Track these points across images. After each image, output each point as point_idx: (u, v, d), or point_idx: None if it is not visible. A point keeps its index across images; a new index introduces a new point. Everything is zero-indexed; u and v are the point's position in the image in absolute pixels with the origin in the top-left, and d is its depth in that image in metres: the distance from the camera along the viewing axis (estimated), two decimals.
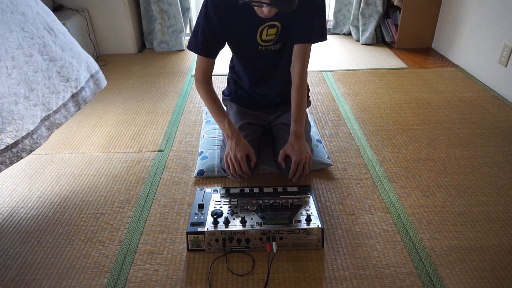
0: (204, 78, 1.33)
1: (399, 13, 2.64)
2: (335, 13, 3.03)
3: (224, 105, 1.57)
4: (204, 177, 1.41)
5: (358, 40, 2.93)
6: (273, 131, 1.47)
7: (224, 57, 1.54)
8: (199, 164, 1.44)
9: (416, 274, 1.01)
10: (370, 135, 1.66)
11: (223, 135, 1.35)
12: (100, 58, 2.71)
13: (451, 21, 2.48)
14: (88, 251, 1.11)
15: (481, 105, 1.89)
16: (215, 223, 1.09)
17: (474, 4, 2.22)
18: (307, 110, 1.61)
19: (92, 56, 2.66)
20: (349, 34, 3.06)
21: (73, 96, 1.21)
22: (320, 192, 1.33)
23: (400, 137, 1.64)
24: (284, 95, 1.44)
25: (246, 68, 1.43)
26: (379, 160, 1.49)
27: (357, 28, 2.91)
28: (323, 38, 1.32)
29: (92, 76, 1.32)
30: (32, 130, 1.01)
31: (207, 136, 1.60)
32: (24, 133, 0.98)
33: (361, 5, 2.75)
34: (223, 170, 1.34)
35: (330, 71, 2.38)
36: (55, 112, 1.12)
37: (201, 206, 1.16)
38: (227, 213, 1.12)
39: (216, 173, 1.40)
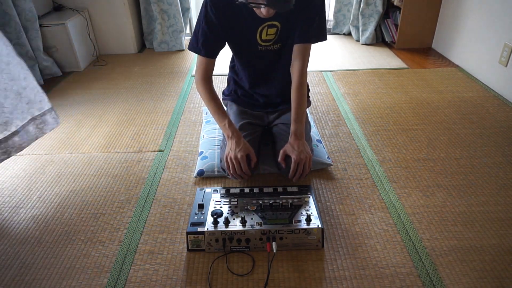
0: (205, 78, 1.33)
1: (399, 13, 2.64)
2: (335, 13, 3.03)
3: (224, 105, 1.57)
4: (204, 177, 1.41)
5: (358, 40, 2.93)
6: (273, 131, 1.47)
7: (224, 57, 1.54)
8: (199, 164, 1.44)
9: (416, 274, 1.01)
10: (370, 135, 1.66)
11: (223, 135, 1.35)
12: (100, 58, 2.71)
13: (451, 21, 2.48)
14: (88, 251, 1.11)
15: (481, 105, 1.89)
16: (215, 223, 1.09)
17: (474, 4, 2.22)
18: (307, 110, 1.61)
19: (92, 56, 2.71)
20: (349, 34, 3.05)
21: None
22: (320, 192, 1.33)
23: (400, 137, 1.64)
24: (284, 95, 1.45)
25: (246, 68, 1.44)
26: (379, 160, 1.49)
27: (357, 28, 2.91)
28: (323, 38, 1.33)
29: (33, 119, 1.16)
30: None
31: (207, 136, 1.60)
32: None
33: (361, 5, 2.75)
34: (223, 170, 1.34)
35: (330, 71, 2.38)
36: None
37: (201, 206, 1.16)
38: (227, 213, 1.12)
39: (216, 173, 1.40)
